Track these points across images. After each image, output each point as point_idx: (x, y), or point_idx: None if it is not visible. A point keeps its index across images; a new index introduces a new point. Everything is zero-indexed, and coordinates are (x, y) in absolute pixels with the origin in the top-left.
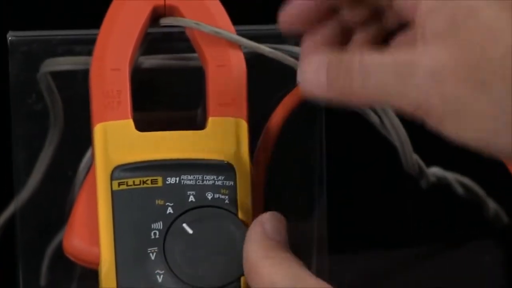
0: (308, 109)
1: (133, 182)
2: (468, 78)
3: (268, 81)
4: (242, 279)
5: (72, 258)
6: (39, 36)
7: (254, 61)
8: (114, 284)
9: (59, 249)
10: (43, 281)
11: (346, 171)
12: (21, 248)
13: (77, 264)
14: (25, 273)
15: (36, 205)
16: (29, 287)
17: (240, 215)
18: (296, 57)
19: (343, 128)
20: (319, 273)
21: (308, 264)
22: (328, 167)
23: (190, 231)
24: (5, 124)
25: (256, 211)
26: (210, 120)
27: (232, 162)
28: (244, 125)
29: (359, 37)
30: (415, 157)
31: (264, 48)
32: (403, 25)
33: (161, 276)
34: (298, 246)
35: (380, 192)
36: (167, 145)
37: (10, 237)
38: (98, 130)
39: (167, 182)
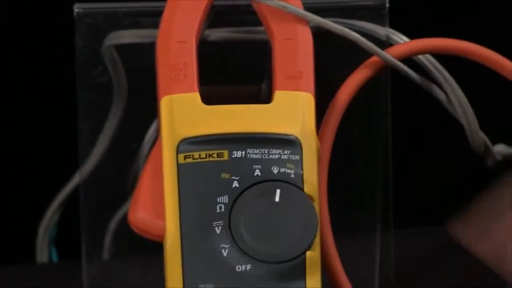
0: (374, 86)
1: (199, 155)
2: None
3: (334, 56)
4: (307, 253)
5: (137, 231)
6: (105, 8)
7: (320, 35)
8: (179, 257)
9: (123, 222)
10: (105, 254)
11: (411, 149)
12: (84, 221)
13: (141, 237)
14: (87, 246)
15: (100, 177)
16: (91, 260)
17: (306, 189)
18: (361, 31)
19: (409, 105)
20: (384, 247)
21: (373, 239)
22: (393, 144)
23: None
24: (71, 95)
25: (321, 186)
26: (277, 93)
27: (298, 136)
28: (311, 100)
29: None
30: (482, 134)
31: (329, 23)
32: None
33: (226, 250)
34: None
35: (445, 169)
36: (233, 119)
37: (74, 209)
38: (165, 103)
39: (233, 156)
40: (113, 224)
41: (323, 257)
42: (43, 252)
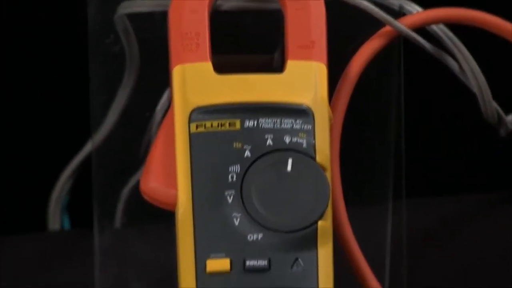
0: (387, 56)
1: (211, 124)
2: None
3: (347, 26)
4: (319, 223)
5: (148, 200)
6: None
7: (333, 5)
8: (190, 225)
9: (134, 191)
10: (117, 222)
11: (424, 118)
12: (96, 189)
13: (153, 206)
14: (99, 214)
15: (112, 146)
16: (103, 229)
17: (318, 159)
18: (374, 1)
19: (422, 75)
20: (395, 217)
21: (384, 209)
22: (405, 114)
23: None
24: (83, 64)
25: (333, 156)
26: (289, 63)
27: (310, 106)
28: (323, 70)
29: None
30: (494, 104)
31: None
32: None
33: (238, 219)
34: (374, 192)
35: (457, 139)
36: (245, 88)
37: (86, 177)
38: (177, 72)
39: (245, 125)
40: (125, 192)
41: (335, 226)
42: (55, 220)
